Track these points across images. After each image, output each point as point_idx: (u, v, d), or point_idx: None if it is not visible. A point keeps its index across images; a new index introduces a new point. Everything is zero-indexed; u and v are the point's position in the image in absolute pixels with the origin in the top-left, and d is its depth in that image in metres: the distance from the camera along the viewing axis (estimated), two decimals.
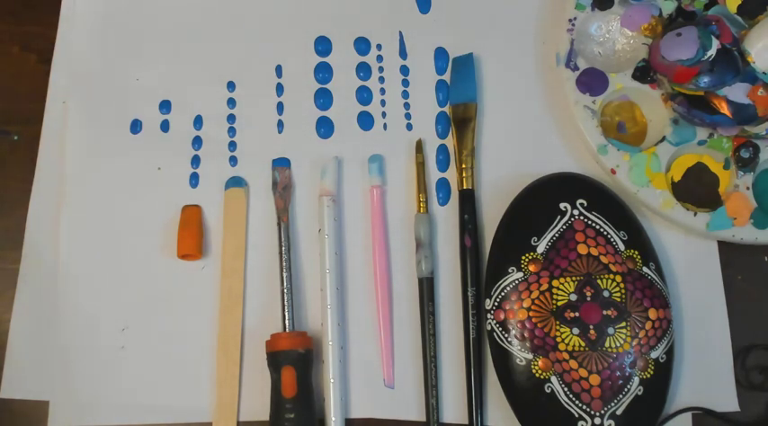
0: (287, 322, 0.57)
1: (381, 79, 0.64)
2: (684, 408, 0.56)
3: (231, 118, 0.63)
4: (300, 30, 0.65)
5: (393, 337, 0.58)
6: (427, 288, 0.58)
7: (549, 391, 0.54)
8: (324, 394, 0.56)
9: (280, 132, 0.63)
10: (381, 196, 0.61)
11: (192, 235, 0.59)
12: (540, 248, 0.56)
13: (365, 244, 0.60)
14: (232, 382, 0.57)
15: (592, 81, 0.60)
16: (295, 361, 0.55)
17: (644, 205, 0.58)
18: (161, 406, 0.58)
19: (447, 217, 0.61)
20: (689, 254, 0.59)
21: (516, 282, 0.55)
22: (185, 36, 0.65)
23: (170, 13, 0.66)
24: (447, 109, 0.63)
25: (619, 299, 0.54)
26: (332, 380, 0.56)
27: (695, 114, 0.58)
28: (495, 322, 0.55)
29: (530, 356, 0.54)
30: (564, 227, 0.56)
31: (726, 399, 0.56)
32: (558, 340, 0.54)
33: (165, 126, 0.63)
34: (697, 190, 0.58)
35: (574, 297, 0.55)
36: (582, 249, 0.55)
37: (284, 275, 0.58)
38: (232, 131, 0.63)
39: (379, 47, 0.64)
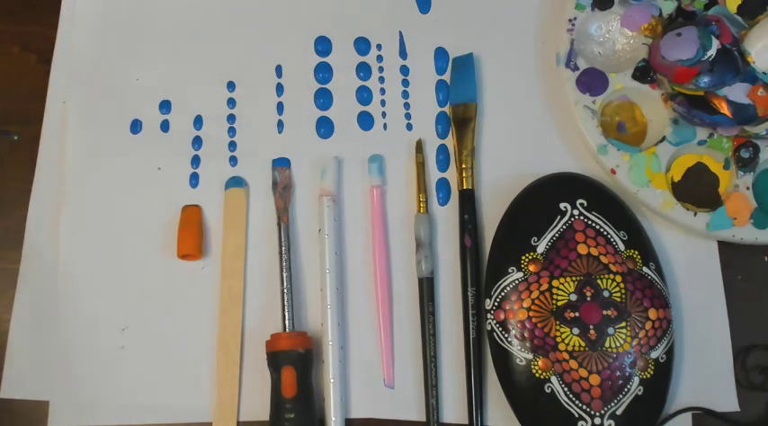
0: (287, 322, 0.57)
1: (381, 79, 0.64)
2: (684, 408, 0.56)
3: (231, 118, 0.63)
4: (300, 30, 0.65)
5: (393, 337, 0.58)
6: (427, 288, 0.58)
7: (549, 391, 0.54)
8: (324, 394, 0.56)
9: (280, 132, 0.63)
10: (381, 196, 0.61)
11: (191, 235, 0.59)
12: (540, 248, 0.56)
13: (365, 244, 0.60)
14: (232, 382, 0.57)
15: (592, 81, 0.60)
16: (295, 361, 0.55)
17: (644, 205, 0.58)
18: (161, 406, 0.58)
19: (447, 217, 0.61)
20: (689, 254, 0.59)
21: (516, 282, 0.55)
22: (185, 36, 0.65)
23: (170, 13, 0.66)
24: (447, 109, 0.63)
25: (619, 299, 0.54)
26: (332, 380, 0.56)
27: (695, 114, 0.58)
28: (495, 322, 0.55)
29: (530, 356, 0.54)
30: (564, 227, 0.56)
31: (726, 399, 0.56)
32: (558, 340, 0.54)
33: (165, 126, 0.63)
34: (697, 190, 0.58)
35: (574, 297, 0.55)
36: (582, 249, 0.55)
37: (284, 275, 0.58)
38: (232, 131, 0.63)
39: (379, 47, 0.64)
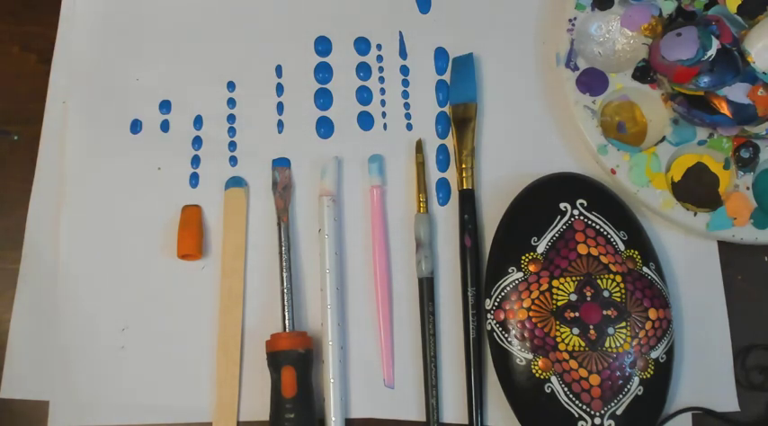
0: (287, 322, 0.57)
1: (381, 79, 0.64)
2: (684, 408, 0.56)
3: (231, 118, 0.63)
4: (300, 30, 0.65)
5: (393, 337, 0.58)
6: (427, 288, 0.58)
7: (549, 391, 0.54)
8: (324, 394, 0.56)
9: (280, 132, 0.63)
10: (381, 196, 0.61)
11: (192, 235, 0.59)
12: (540, 248, 0.56)
13: (365, 244, 0.60)
14: (232, 382, 0.57)
15: (592, 81, 0.60)
16: (295, 361, 0.55)
17: (644, 205, 0.58)
18: (161, 406, 0.58)
19: (447, 217, 0.61)
20: (689, 254, 0.59)
21: (516, 282, 0.55)
22: (185, 36, 0.65)
23: (170, 13, 0.66)
24: (447, 109, 0.63)
25: (619, 299, 0.54)
26: (332, 380, 0.56)
27: (695, 114, 0.58)
28: (495, 322, 0.55)
29: (530, 356, 0.54)
30: (564, 227, 0.56)
31: (726, 399, 0.56)
32: (558, 340, 0.54)
33: (165, 126, 0.63)
34: (697, 190, 0.58)
35: (574, 297, 0.55)
36: (582, 249, 0.55)
37: (284, 275, 0.58)
38: (232, 131, 0.63)
39: (379, 47, 0.64)
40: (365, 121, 0.63)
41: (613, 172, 0.58)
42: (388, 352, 0.58)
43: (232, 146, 0.63)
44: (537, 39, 0.64)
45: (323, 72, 0.64)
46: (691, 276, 0.58)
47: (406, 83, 0.64)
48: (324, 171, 0.60)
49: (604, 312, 0.54)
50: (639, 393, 0.53)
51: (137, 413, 0.57)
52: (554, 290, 0.55)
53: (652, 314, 0.54)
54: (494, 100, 0.63)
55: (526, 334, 0.54)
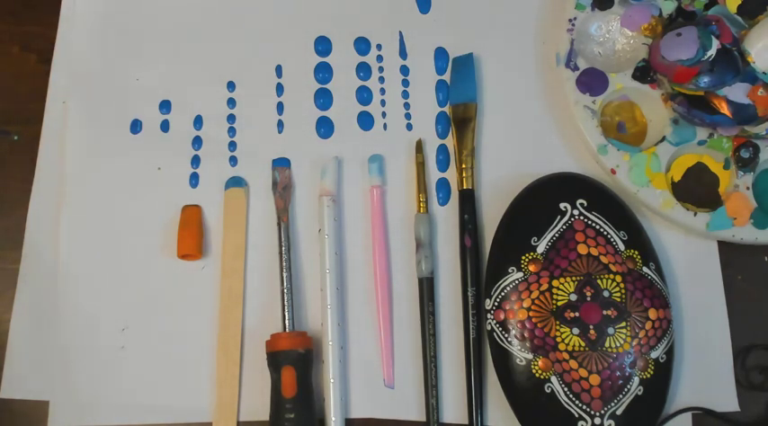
0: (287, 322, 0.57)
1: (381, 79, 0.64)
2: (684, 408, 0.56)
3: (231, 118, 0.63)
4: (300, 30, 0.65)
5: (393, 337, 0.58)
6: (427, 288, 0.58)
7: (549, 391, 0.54)
8: (324, 394, 0.56)
9: (280, 132, 0.63)
10: (381, 196, 0.61)
11: (191, 235, 0.59)
12: (540, 248, 0.56)
13: (365, 243, 0.60)
14: (232, 382, 0.57)
15: (592, 81, 0.60)
16: (295, 361, 0.55)
17: (644, 205, 0.58)
18: (161, 406, 0.58)
19: (447, 217, 0.61)
20: (689, 254, 0.59)
21: (516, 282, 0.55)
22: (185, 36, 0.65)
23: (170, 13, 0.66)
24: (447, 109, 0.63)
25: (619, 299, 0.54)
26: (332, 380, 0.56)
27: (695, 114, 0.58)
28: (495, 322, 0.55)
29: (530, 356, 0.54)
30: (564, 227, 0.56)
31: (726, 399, 0.56)
32: (558, 340, 0.54)
33: (165, 126, 0.63)
34: (697, 190, 0.58)
35: (574, 297, 0.55)
36: (582, 249, 0.55)
37: (284, 275, 0.58)
38: (232, 131, 0.63)
39: (379, 47, 0.64)
40: (365, 121, 0.63)
41: (613, 172, 0.58)
42: (388, 352, 0.58)
43: (232, 146, 0.63)
44: (537, 39, 0.64)
45: (323, 72, 0.64)
46: (691, 276, 0.58)
47: (406, 83, 0.64)
48: (324, 171, 0.60)
49: (604, 312, 0.54)
50: (639, 393, 0.53)
51: (137, 413, 0.57)
52: (554, 290, 0.55)
53: (652, 314, 0.54)
54: (494, 100, 0.63)
55: (526, 334, 0.54)
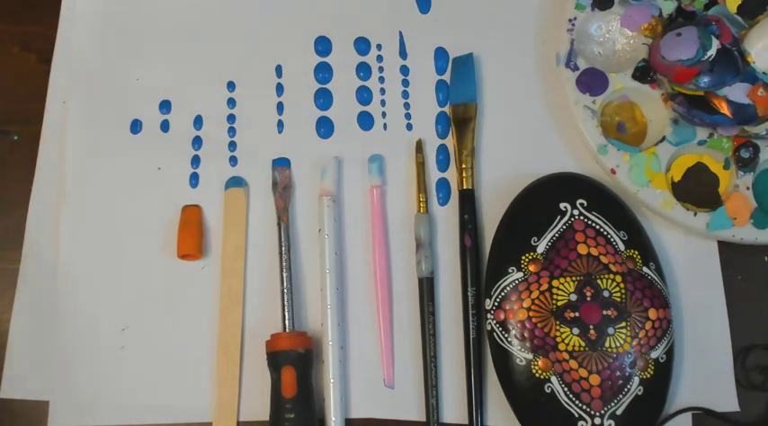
0: (287, 322, 0.57)
1: (381, 79, 0.64)
2: (684, 408, 0.56)
3: (231, 118, 0.63)
4: (300, 30, 0.65)
5: (393, 337, 0.58)
6: (427, 288, 0.58)
7: (549, 391, 0.54)
8: (324, 394, 0.56)
9: (280, 132, 0.63)
10: (381, 196, 0.61)
11: (192, 235, 0.59)
12: (540, 248, 0.56)
13: (365, 244, 0.60)
14: (232, 382, 0.57)
15: (592, 81, 0.60)
16: (295, 361, 0.55)
17: (644, 205, 0.58)
18: (161, 406, 0.58)
19: (447, 217, 0.61)
20: (689, 254, 0.59)
21: (516, 282, 0.55)
22: (185, 36, 0.65)
23: (170, 13, 0.66)
24: (447, 109, 0.63)
25: (619, 299, 0.54)
26: (332, 380, 0.56)
27: (695, 114, 0.58)
28: (495, 322, 0.55)
29: (530, 356, 0.54)
30: (564, 227, 0.56)
31: (726, 399, 0.56)
32: (558, 340, 0.54)
33: (165, 126, 0.63)
34: (697, 190, 0.58)
35: (574, 297, 0.55)
36: (582, 249, 0.55)
37: (284, 275, 0.58)
38: (232, 131, 0.63)
39: (379, 47, 0.64)
40: (365, 121, 0.63)
41: (613, 172, 0.58)
42: (388, 352, 0.58)
43: (232, 146, 0.63)
44: (537, 39, 0.64)
45: (323, 72, 0.64)
46: (691, 276, 0.58)
47: (406, 83, 0.64)
48: (324, 171, 0.60)
49: (604, 312, 0.54)
50: (639, 393, 0.53)
51: (137, 413, 0.57)
52: (554, 290, 0.55)
53: (652, 314, 0.54)
54: (494, 100, 0.63)
55: (526, 334, 0.54)
